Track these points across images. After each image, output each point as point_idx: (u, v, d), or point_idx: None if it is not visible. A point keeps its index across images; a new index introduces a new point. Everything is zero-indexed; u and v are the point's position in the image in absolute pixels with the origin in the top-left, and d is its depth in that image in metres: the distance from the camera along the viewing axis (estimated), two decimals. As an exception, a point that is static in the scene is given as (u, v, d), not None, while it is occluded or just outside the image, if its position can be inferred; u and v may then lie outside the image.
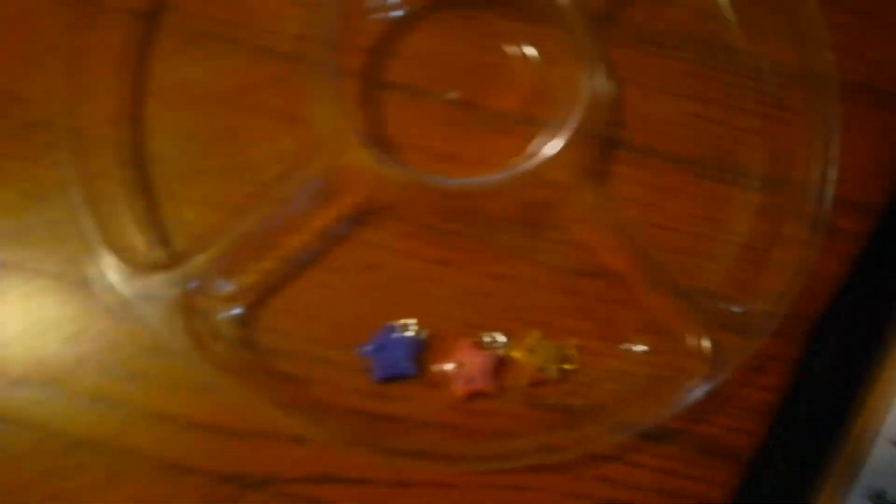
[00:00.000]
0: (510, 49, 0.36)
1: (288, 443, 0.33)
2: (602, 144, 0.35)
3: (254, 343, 0.33)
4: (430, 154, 0.35)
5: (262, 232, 0.33)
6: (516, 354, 0.34)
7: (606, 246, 0.34)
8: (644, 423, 0.33)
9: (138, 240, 0.33)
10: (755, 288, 0.34)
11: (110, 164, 0.33)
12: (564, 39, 0.34)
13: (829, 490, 0.33)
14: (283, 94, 0.35)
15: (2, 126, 0.34)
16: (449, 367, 0.33)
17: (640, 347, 0.34)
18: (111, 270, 0.32)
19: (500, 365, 0.34)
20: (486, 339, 0.34)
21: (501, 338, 0.34)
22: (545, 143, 0.33)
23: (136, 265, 0.32)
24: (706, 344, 0.33)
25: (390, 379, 0.33)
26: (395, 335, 0.33)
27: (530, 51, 0.36)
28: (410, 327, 0.33)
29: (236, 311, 0.33)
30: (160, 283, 0.32)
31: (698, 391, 0.33)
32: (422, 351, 0.33)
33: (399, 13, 0.36)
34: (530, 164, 0.33)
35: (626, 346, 0.34)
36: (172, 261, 0.32)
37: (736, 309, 0.34)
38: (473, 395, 0.33)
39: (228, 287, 0.33)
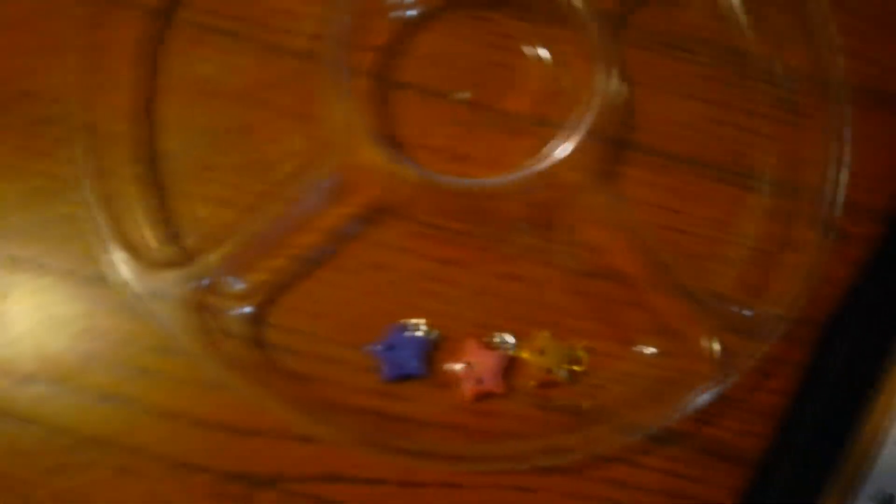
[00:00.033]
0: (523, 50, 0.36)
1: (296, 441, 0.33)
2: (614, 146, 0.35)
3: (264, 341, 0.33)
4: (441, 154, 0.35)
5: (273, 230, 0.33)
6: (525, 355, 0.34)
7: (617, 248, 0.34)
8: (652, 425, 0.33)
9: (150, 236, 0.33)
10: (765, 291, 0.34)
11: (123, 160, 0.33)
12: (577, 41, 0.34)
13: (836, 494, 0.33)
14: (297, 93, 0.35)
15: (15, 121, 0.34)
16: (458, 367, 0.33)
17: (650, 349, 0.34)
18: (123, 267, 0.32)
19: (510, 366, 0.33)
20: (496, 339, 0.34)
21: (511, 338, 0.34)
22: (557, 145, 0.33)
23: (147, 262, 0.32)
24: (715, 347, 0.33)
25: (400, 378, 0.33)
26: (405, 335, 0.33)
27: (543, 52, 0.36)
28: (420, 327, 0.33)
29: (247, 309, 0.33)
30: (171, 281, 0.32)
31: (707, 394, 0.33)
32: (431, 351, 0.33)
33: (413, 13, 0.36)
34: (542, 165, 0.33)
35: (635, 348, 0.34)
36: (184, 258, 0.32)
37: (746, 312, 0.34)
38: (482, 396, 0.33)
39: (239, 285, 0.33)
